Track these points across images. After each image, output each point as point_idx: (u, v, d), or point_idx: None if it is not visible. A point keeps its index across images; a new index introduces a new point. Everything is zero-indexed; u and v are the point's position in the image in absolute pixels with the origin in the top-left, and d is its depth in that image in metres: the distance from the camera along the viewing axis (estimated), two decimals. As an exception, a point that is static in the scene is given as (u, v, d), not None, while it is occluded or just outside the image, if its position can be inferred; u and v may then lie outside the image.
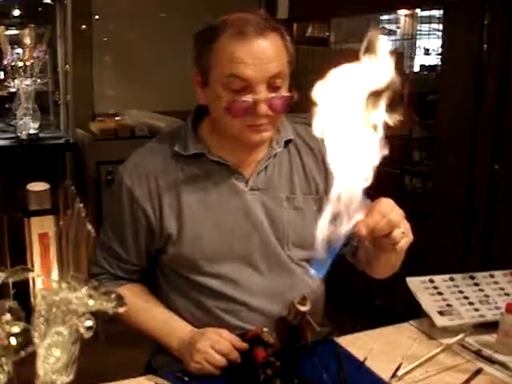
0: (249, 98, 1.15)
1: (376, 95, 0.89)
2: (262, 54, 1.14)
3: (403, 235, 1.09)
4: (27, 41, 2.96)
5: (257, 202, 1.28)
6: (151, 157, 1.29)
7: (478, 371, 1.17)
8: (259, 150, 1.29)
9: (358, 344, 1.27)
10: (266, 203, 1.29)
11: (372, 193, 1.05)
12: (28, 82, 2.98)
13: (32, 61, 2.98)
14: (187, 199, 1.26)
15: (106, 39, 3.38)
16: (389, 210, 1.06)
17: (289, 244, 1.29)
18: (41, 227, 2.72)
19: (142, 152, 1.32)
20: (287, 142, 1.33)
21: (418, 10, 3.31)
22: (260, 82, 1.15)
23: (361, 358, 1.20)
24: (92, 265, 1.36)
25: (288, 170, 1.32)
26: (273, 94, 1.17)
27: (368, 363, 1.18)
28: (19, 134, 3.04)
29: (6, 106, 3.25)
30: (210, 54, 1.18)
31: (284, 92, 1.19)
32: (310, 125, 1.45)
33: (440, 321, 1.33)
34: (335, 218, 0.94)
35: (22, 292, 2.56)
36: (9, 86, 3.07)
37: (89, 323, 0.78)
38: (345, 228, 0.95)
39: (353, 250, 1.34)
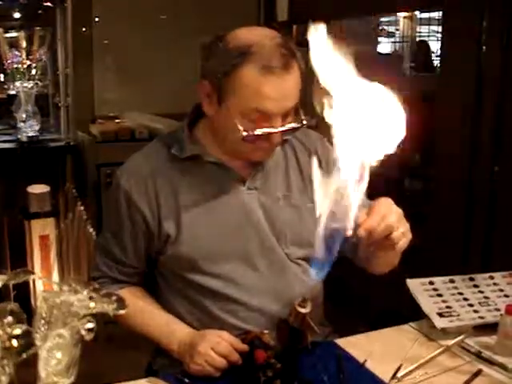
0: (265, 128, 1.17)
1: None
2: (287, 90, 1.16)
3: (402, 235, 1.10)
4: (28, 43, 2.96)
5: (254, 201, 1.29)
6: (148, 160, 1.30)
7: (478, 372, 1.17)
8: None
9: (358, 345, 1.27)
10: (263, 202, 1.29)
11: (373, 195, 1.06)
12: (28, 84, 2.99)
13: (32, 63, 2.98)
14: (185, 201, 1.26)
15: (106, 42, 3.38)
16: (387, 211, 1.07)
17: (286, 242, 1.30)
18: (41, 229, 2.72)
19: (139, 155, 1.32)
20: (283, 142, 1.34)
21: (417, 12, 3.31)
22: (279, 115, 1.17)
23: (361, 360, 1.20)
24: (92, 269, 1.37)
25: (284, 169, 1.33)
26: (286, 126, 1.19)
27: (368, 365, 1.19)
28: (20, 137, 3.05)
29: (7, 108, 3.25)
30: (231, 81, 1.15)
31: (293, 114, 1.21)
32: (309, 127, 1.46)
33: (440, 322, 1.33)
34: (333, 217, 0.95)
35: (23, 294, 2.56)
36: (9, 89, 3.08)
37: (90, 325, 0.79)
38: (343, 227, 0.96)
39: (352, 247, 1.34)
